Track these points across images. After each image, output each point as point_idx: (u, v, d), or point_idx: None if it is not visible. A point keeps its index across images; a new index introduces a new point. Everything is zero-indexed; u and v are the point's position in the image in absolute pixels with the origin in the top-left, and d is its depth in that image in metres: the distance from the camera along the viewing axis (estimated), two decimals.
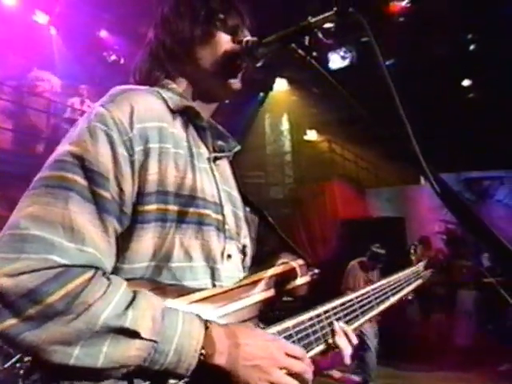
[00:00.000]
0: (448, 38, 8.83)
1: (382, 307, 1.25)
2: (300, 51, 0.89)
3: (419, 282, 1.55)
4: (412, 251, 1.80)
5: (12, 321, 0.68)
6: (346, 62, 9.08)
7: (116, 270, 0.82)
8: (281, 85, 10.57)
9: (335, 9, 0.85)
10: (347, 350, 1.03)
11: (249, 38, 1.00)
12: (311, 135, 11.68)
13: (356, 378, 5.38)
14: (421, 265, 1.63)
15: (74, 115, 8.55)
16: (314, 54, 0.89)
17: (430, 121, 9.52)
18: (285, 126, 11.39)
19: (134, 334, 0.71)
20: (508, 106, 8.38)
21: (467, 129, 9.27)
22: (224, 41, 1.01)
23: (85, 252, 0.75)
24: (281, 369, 0.82)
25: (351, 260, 5.61)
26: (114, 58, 9.19)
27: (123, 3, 7.89)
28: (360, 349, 5.14)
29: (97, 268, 0.76)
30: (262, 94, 10.76)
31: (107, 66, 9.13)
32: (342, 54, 9.07)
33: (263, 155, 11.22)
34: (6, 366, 4.46)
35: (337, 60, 9.26)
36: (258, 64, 1.03)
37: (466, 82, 10.20)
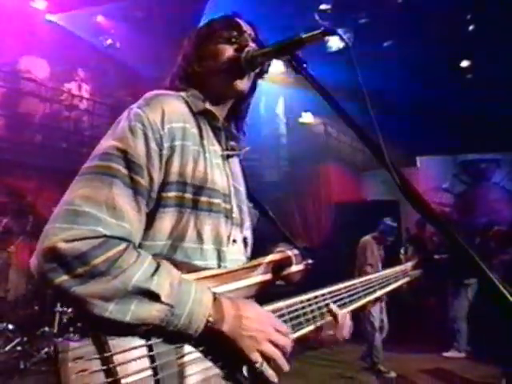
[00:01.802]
0: (446, 19, 8.69)
1: (367, 299, 1.37)
2: (294, 63, 1.04)
3: (406, 279, 1.66)
4: (402, 251, 2.00)
5: (65, 277, 0.84)
6: (344, 44, 8.94)
7: (139, 246, 0.98)
8: (277, 67, 10.45)
9: (322, 28, 1.00)
10: (341, 330, 1.22)
11: (249, 48, 1.16)
12: (306, 118, 11.63)
13: None
14: (409, 264, 1.73)
15: (72, 100, 8.55)
16: (305, 65, 1.03)
17: (427, 103, 9.46)
18: (280, 108, 11.30)
19: (155, 297, 0.87)
20: (506, 87, 8.28)
21: (464, 111, 9.19)
22: (225, 50, 1.18)
23: (123, 227, 0.92)
24: (270, 341, 0.96)
25: (345, 243, 5.63)
26: (109, 41, 9.16)
27: None
28: (367, 333, 5.30)
29: (130, 241, 0.93)
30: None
31: (103, 49, 9.09)
32: (340, 35, 8.92)
33: (258, 137, 11.16)
34: (6, 348, 4.61)
35: (335, 42, 9.15)
36: (256, 71, 1.21)
37: (464, 63, 10.07)
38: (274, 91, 11.37)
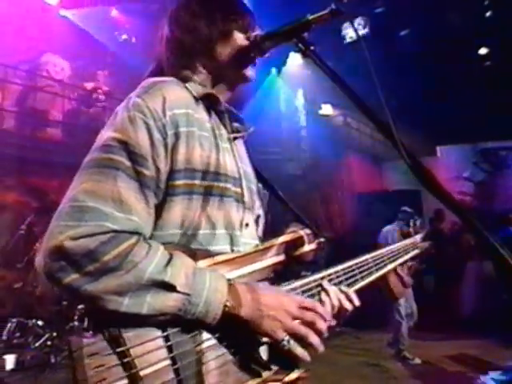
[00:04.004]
0: (463, 5, 8.60)
1: (380, 273, 1.36)
2: (300, 45, 1.01)
3: (416, 251, 1.66)
4: (411, 224, 1.98)
5: (75, 275, 0.81)
6: (361, 33, 8.91)
7: (150, 237, 0.96)
8: (295, 59, 10.42)
9: (329, 8, 0.97)
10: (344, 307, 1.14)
11: (257, 33, 1.14)
12: (326, 110, 11.57)
13: None
14: (418, 237, 1.72)
15: (90, 97, 8.59)
16: (312, 48, 1.00)
17: (445, 91, 9.39)
18: (300, 100, 11.26)
19: (171, 288, 0.85)
20: None
21: (483, 99, 9.11)
22: (239, 38, 1.15)
23: (131, 220, 0.88)
24: (294, 319, 0.94)
25: (368, 232, 5.70)
26: (124, 37, 9.16)
27: None
28: (393, 319, 5.41)
29: (140, 234, 0.89)
30: (275, 69, 10.64)
31: (118, 45, 9.10)
32: (358, 24, 8.90)
33: (279, 131, 11.15)
34: (37, 344, 4.77)
35: (351, 32, 9.10)
36: (266, 55, 1.16)
37: (482, 51, 9.96)
38: (293, 84, 11.39)
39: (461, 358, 5.60)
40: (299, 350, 0.94)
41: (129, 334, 0.83)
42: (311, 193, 9.38)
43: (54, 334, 4.84)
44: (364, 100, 0.91)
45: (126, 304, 0.82)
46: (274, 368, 0.97)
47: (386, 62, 8.54)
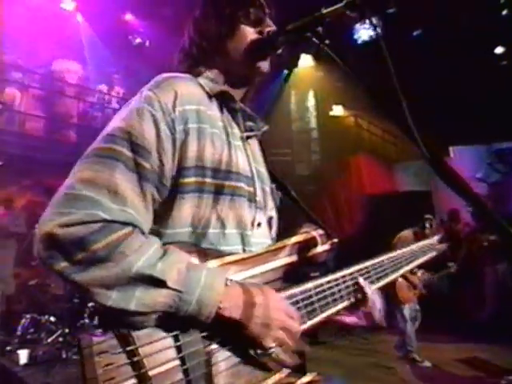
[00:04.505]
0: (478, 4, 8.45)
1: (395, 275, 1.33)
2: (315, 40, 0.99)
3: (433, 254, 1.61)
4: (427, 225, 1.92)
5: (64, 263, 0.79)
6: (373, 33, 8.88)
7: (159, 235, 0.94)
8: (306, 61, 10.42)
9: (345, 1, 0.93)
10: (374, 308, 1.15)
11: (269, 28, 1.12)
12: (337, 111, 11.50)
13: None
14: (435, 238, 1.68)
15: (104, 100, 8.78)
16: (327, 42, 0.97)
17: (459, 91, 9.24)
18: (311, 102, 11.23)
19: (161, 283, 0.82)
20: None
21: (499, 98, 8.94)
22: (248, 32, 1.13)
23: (125, 212, 0.86)
24: (283, 329, 0.94)
25: (378, 234, 5.65)
26: (138, 41, 9.30)
27: None
28: (398, 323, 5.30)
29: (134, 226, 0.86)
30: (286, 71, 10.65)
31: (132, 49, 9.26)
32: (369, 25, 8.86)
33: (289, 132, 11.12)
34: (49, 340, 4.90)
35: (364, 33, 9.08)
36: (279, 51, 1.14)
37: (498, 50, 9.77)
38: (304, 85, 11.37)
39: (472, 362, 5.48)
40: (282, 357, 0.96)
41: (138, 333, 0.82)
42: (321, 194, 9.36)
43: (66, 330, 4.96)
44: (379, 94, 0.87)
45: (114, 298, 0.80)
46: (277, 368, 0.97)
47: (398, 63, 8.48)
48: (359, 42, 9.07)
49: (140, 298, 0.81)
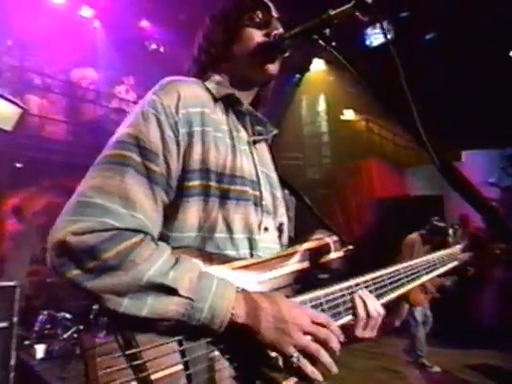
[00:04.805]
0: (493, 5, 8.36)
1: (412, 285, 1.25)
2: (321, 42, 0.97)
3: (454, 263, 1.52)
4: (451, 233, 1.79)
5: (76, 271, 0.80)
6: (386, 38, 8.82)
7: (167, 238, 0.94)
8: (318, 65, 10.44)
9: (353, 2, 0.91)
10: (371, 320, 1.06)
11: (276, 31, 1.11)
12: (348, 115, 11.47)
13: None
14: (458, 247, 1.58)
15: (120, 104, 9.00)
16: (334, 44, 0.96)
17: (472, 94, 9.15)
18: (322, 106, 11.26)
19: (173, 291, 0.82)
20: None
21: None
22: (255, 35, 1.12)
23: (136, 218, 0.86)
24: (305, 333, 0.87)
25: (388, 239, 5.64)
26: (154, 46, 9.48)
27: None
28: (409, 327, 5.25)
29: (146, 233, 0.86)
30: (298, 76, 10.72)
31: (148, 54, 9.44)
32: (381, 29, 8.83)
33: (300, 136, 11.14)
34: (65, 336, 5.05)
35: (376, 36, 9.07)
36: (286, 54, 1.13)
37: None
38: (315, 89, 11.38)
39: (483, 368, 5.40)
40: (309, 369, 0.87)
41: (142, 337, 0.82)
42: (331, 198, 9.36)
43: (81, 327, 5.10)
44: (389, 98, 0.87)
45: (125, 305, 0.80)
46: (292, 378, 0.90)
47: (410, 66, 8.46)
48: (371, 47, 9.06)
49: (152, 306, 0.81)
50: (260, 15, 1.14)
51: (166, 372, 0.82)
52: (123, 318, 0.80)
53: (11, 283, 3.01)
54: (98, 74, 9.12)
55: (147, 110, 0.95)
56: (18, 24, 7.40)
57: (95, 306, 0.84)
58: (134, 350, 0.80)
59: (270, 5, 1.17)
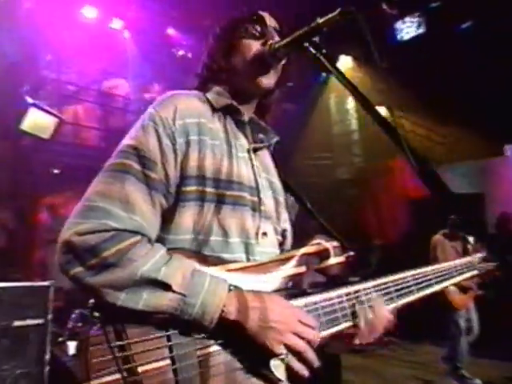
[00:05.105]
0: None
1: (422, 293, 1.24)
2: (312, 49, 1.03)
3: (473, 273, 1.49)
4: (471, 240, 1.81)
5: (79, 268, 0.89)
6: (418, 31, 8.52)
7: (163, 240, 1.01)
8: (345, 62, 10.20)
9: (339, 9, 0.96)
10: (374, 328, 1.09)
11: (271, 40, 1.16)
12: (380, 112, 11.03)
13: None
14: (478, 256, 1.55)
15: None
16: (324, 51, 1.01)
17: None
18: (351, 104, 10.98)
19: (166, 287, 0.89)
20: None
21: None
22: (252, 45, 1.18)
23: (134, 220, 0.95)
24: (293, 333, 0.93)
25: (423, 240, 5.35)
26: (181, 53, 9.67)
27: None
28: (451, 334, 4.86)
29: (143, 235, 0.95)
30: (324, 74, 10.50)
31: (176, 61, 9.65)
32: (411, 22, 8.54)
33: (329, 135, 10.93)
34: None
35: (407, 29, 8.75)
36: (282, 62, 1.20)
37: None
38: (344, 87, 10.98)
39: None
40: (297, 365, 0.94)
41: (133, 331, 0.88)
42: (362, 198, 9.09)
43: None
44: (374, 105, 0.94)
45: (123, 299, 0.88)
46: (282, 378, 0.94)
47: (445, 59, 8.06)
48: (402, 40, 8.73)
49: (147, 300, 0.88)
50: (255, 26, 1.20)
51: (154, 365, 0.87)
52: (121, 311, 0.87)
53: (45, 283, 3.27)
54: (128, 83, 9.43)
55: (147, 123, 1.04)
56: (55, 39, 7.78)
57: (91, 300, 0.90)
58: (122, 342, 0.86)
59: (265, 15, 1.23)
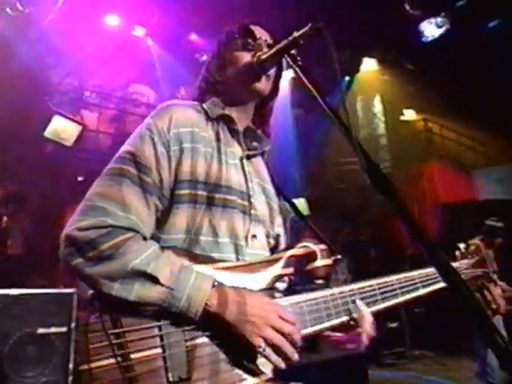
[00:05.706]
0: None
1: (407, 297, 1.28)
2: (289, 61, 1.09)
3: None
4: (462, 247, 1.71)
5: (79, 259, 0.98)
6: (442, 30, 8.26)
7: (158, 239, 1.10)
8: (369, 65, 10.00)
9: (310, 24, 1.04)
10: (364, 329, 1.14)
11: (259, 52, 1.23)
12: (409, 115, 10.89)
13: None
14: (464, 262, 1.58)
15: None
16: (300, 63, 1.07)
17: None
18: (378, 107, 10.75)
19: (155, 280, 0.97)
20: None
21: None
22: (243, 57, 1.27)
23: (129, 219, 1.03)
24: (271, 327, 0.99)
25: (455, 247, 5.08)
26: (205, 57, 9.68)
27: (208, 5, 8.24)
28: (478, 347, 4.67)
29: (137, 232, 1.04)
30: (347, 78, 10.29)
31: (199, 66, 9.64)
32: (436, 22, 8.28)
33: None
34: None
35: (431, 29, 8.49)
36: (270, 72, 1.27)
37: None
38: (370, 90, 10.95)
39: None
40: (274, 358, 0.99)
41: (128, 320, 0.96)
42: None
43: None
44: (337, 112, 1.00)
45: (117, 288, 0.96)
46: (266, 371, 1.01)
47: (474, 58, 7.79)
48: (427, 41, 8.48)
49: (138, 291, 0.96)
50: (246, 39, 1.29)
51: (146, 353, 0.94)
52: (116, 300, 0.95)
53: (69, 290, 3.25)
54: (152, 89, 9.45)
55: (144, 131, 1.14)
56: (78, 47, 7.87)
57: (90, 291, 0.99)
58: (117, 330, 0.94)
59: (256, 28, 1.31)
